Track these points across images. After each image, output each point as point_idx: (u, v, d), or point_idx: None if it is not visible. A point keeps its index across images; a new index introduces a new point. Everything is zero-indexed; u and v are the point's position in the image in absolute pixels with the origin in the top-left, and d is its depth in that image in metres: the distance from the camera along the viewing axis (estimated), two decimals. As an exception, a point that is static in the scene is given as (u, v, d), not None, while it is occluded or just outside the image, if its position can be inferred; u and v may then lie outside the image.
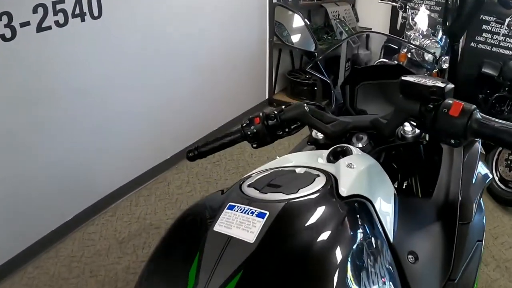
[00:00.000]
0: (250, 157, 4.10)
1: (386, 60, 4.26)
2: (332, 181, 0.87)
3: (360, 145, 1.14)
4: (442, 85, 0.88)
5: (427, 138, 1.16)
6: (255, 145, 1.24)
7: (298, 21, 1.62)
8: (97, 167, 3.14)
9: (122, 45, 3.09)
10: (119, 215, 3.22)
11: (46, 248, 2.86)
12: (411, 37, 3.92)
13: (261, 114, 1.19)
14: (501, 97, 4.37)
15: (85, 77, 2.85)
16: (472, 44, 5.00)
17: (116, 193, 3.33)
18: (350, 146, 1.05)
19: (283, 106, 1.20)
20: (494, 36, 4.85)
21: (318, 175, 0.90)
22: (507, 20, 3.76)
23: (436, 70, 4.06)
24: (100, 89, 2.99)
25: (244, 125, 1.21)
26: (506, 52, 5.08)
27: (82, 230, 3.07)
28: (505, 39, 4.86)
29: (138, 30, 3.19)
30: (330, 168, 0.94)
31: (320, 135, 1.25)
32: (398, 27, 5.29)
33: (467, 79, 4.74)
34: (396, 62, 4.23)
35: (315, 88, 4.95)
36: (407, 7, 4.48)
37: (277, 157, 1.17)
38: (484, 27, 4.91)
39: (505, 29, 4.05)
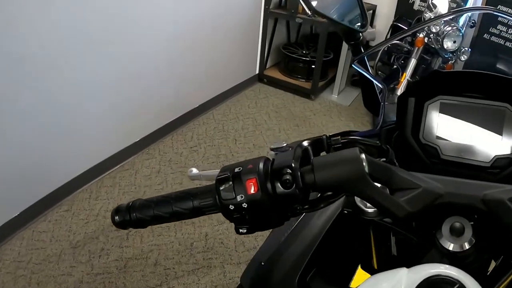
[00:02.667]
0: (233, 143, 3.80)
1: (400, 42, 4.08)
2: None
3: (460, 246, 0.71)
4: None
5: None
6: (243, 230, 0.70)
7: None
8: (51, 151, 2.75)
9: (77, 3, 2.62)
10: (76, 210, 2.87)
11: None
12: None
13: (259, 167, 0.67)
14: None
15: (31, 40, 2.39)
16: (485, 35, 4.78)
17: (74, 183, 2.98)
18: (457, 274, 0.62)
19: (305, 143, 0.76)
20: (510, 30, 4.62)
21: None
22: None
23: (453, 61, 3.90)
24: (50, 56, 2.53)
25: (222, 188, 0.67)
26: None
27: (32, 227, 2.72)
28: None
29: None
30: None
31: (370, 207, 0.86)
32: (415, 6, 5.04)
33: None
34: (407, 45, 4.03)
35: (313, 66, 4.65)
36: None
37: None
38: (500, 18, 4.69)
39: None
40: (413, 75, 3.83)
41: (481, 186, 0.67)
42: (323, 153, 0.85)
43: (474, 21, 4.66)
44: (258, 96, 4.74)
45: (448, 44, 3.71)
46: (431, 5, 3.96)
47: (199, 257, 2.60)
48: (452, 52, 3.81)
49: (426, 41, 3.80)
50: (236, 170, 0.67)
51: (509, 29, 4.69)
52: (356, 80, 5.13)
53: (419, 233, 0.78)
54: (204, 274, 2.49)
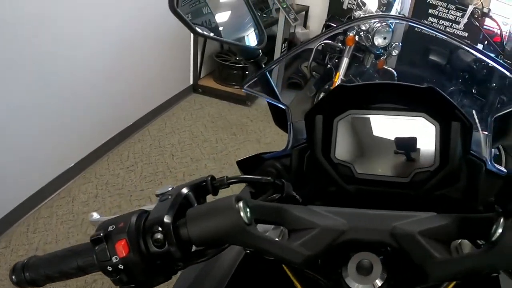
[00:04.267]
0: (171, 158, 3.87)
1: (331, 42, 4.23)
2: None
3: (366, 286, 0.64)
4: None
5: None
6: None
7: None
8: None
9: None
10: (14, 246, 2.87)
11: None
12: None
13: (131, 225, 0.63)
14: (454, 91, 4.40)
15: None
16: (416, 28, 5.00)
17: (10, 217, 2.96)
18: None
19: (184, 190, 0.70)
20: (441, 21, 4.87)
21: None
22: (471, 7, 3.73)
23: (385, 57, 4.06)
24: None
25: (97, 248, 0.62)
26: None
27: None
28: (451, 25, 4.88)
29: None
30: None
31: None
32: (345, 6, 5.22)
33: (414, 66, 4.75)
34: (340, 44, 4.17)
35: (247, 72, 4.76)
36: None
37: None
38: (430, 11, 4.93)
39: (467, 18, 4.01)
40: (346, 74, 3.90)
41: (390, 217, 0.63)
42: (209, 196, 0.77)
43: (404, 15, 4.87)
44: (194, 107, 4.81)
45: (378, 41, 3.80)
46: (360, 3, 4.06)
47: None
48: (384, 48, 3.91)
49: (357, 39, 3.87)
50: (109, 229, 0.63)
51: (440, 20, 4.93)
52: (293, 83, 5.27)
53: (325, 273, 0.69)
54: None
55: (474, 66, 4.14)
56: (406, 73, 4.35)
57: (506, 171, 0.88)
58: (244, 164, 0.96)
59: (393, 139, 0.89)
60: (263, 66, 1.13)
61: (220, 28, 1.10)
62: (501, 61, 0.93)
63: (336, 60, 4.21)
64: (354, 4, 4.56)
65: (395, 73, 3.99)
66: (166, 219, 0.61)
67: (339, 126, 0.92)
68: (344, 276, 0.64)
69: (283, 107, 1.05)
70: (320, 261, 0.65)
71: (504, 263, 0.56)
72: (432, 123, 0.88)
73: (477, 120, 0.96)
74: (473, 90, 4.18)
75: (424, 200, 0.88)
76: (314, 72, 4.50)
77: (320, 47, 4.41)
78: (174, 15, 0.95)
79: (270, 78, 1.12)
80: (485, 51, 0.95)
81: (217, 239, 0.61)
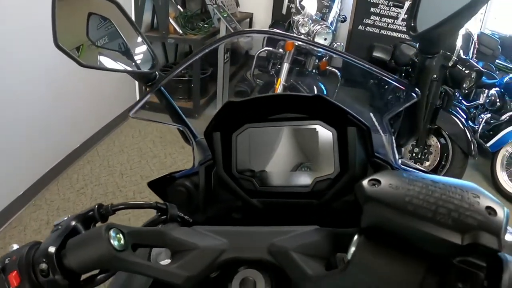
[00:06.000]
0: (120, 178, 3.92)
1: (271, 49, 4.34)
2: None
3: None
4: (493, 223, 0.49)
5: None
6: None
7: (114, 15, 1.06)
8: None
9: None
10: None
11: None
12: (300, 22, 3.99)
13: (23, 257, 0.66)
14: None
15: None
16: (360, 27, 5.20)
17: None
18: None
19: (73, 222, 0.72)
20: (383, 18, 5.06)
21: None
22: (407, 3, 3.90)
23: (326, 58, 4.19)
24: None
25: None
26: (395, 34, 5.32)
27: None
28: (393, 21, 5.07)
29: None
30: None
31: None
32: (284, 11, 5.36)
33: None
34: (281, 50, 4.29)
35: (192, 85, 4.86)
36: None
37: None
38: (372, 9, 5.11)
39: (405, 14, 4.19)
40: (287, 79, 3.93)
41: (269, 234, 0.66)
42: (98, 224, 0.77)
43: (345, 16, 5.02)
44: (141, 123, 4.87)
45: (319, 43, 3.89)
46: (299, 7, 4.19)
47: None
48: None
49: (296, 44, 3.89)
50: (6, 261, 0.66)
51: (382, 18, 5.11)
52: (240, 91, 5.36)
53: None
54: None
55: (416, 60, 4.33)
56: (351, 72, 4.49)
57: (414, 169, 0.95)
58: (156, 185, 1.01)
59: (292, 149, 0.93)
60: (165, 91, 1.16)
61: (110, 58, 1.09)
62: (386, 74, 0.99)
63: (279, 66, 4.24)
64: (293, 7, 4.66)
65: (338, 73, 4.08)
66: (50, 250, 0.65)
67: (238, 140, 0.95)
68: None
69: (180, 128, 1.12)
70: (212, 278, 0.70)
71: (356, 285, 0.56)
72: (329, 130, 0.91)
73: (376, 123, 1.05)
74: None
75: (328, 208, 0.90)
76: (258, 80, 4.52)
77: (264, 54, 4.51)
78: (59, 49, 0.96)
79: (171, 99, 1.16)
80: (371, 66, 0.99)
81: (92, 266, 0.65)
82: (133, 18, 4.37)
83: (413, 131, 1.07)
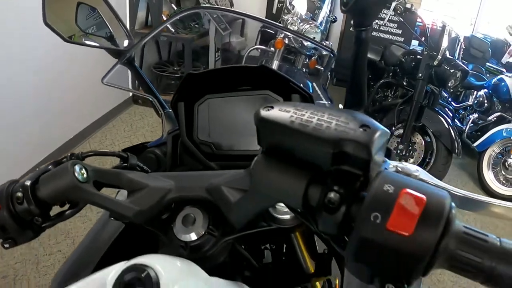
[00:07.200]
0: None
1: (261, 47, 4.43)
2: None
3: (192, 236, 0.76)
4: (364, 136, 0.53)
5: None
6: (6, 245, 0.80)
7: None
8: None
9: None
10: None
11: None
12: (289, 21, 4.04)
13: (4, 189, 0.78)
14: (385, 83, 4.67)
15: None
16: (351, 28, 5.27)
17: None
18: (148, 261, 0.61)
19: (49, 166, 0.81)
20: (375, 20, 5.17)
21: None
22: (394, 3, 4.02)
23: (315, 57, 4.26)
24: None
25: None
26: (386, 36, 5.46)
27: None
28: (385, 23, 5.19)
29: None
30: None
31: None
32: (274, 10, 5.46)
33: (349, 64, 5.03)
34: (272, 49, 4.39)
35: (184, 81, 4.95)
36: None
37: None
38: (365, 12, 5.23)
39: (391, 14, 4.31)
40: None
41: (208, 176, 0.74)
42: None
43: (335, 16, 5.13)
44: (134, 118, 4.96)
45: (307, 42, 3.88)
46: (288, 6, 4.29)
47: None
48: (314, 48, 4.00)
49: (286, 42, 3.91)
50: None
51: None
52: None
53: (163, 229, 0.79)
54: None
55: (403, 60, 4.47)
56: (342, 71, 4.59)
57: None
58: (130, 152, 1.06)
59: (246, 116, 1.05)
60: (136, 65, 1.37)
61: (93, 36, 1.32)
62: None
63: (270, 64, 4.24)
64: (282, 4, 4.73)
65: (322, 68, 4.12)
66: (26, 183, 0.76)
67: (199, 110, 1.08)
68: (174, 230, 0.77)
69: (150, 98, 1.28)
70: (160, 218, 0.78)
71: (260, 198, 0.65)
72: (276, 98, 1.04)
73: (319, 91, 1.16)
74: (403, 82, 4.51)
75: None
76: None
77: (255, 53, 4.55)
78: (47, 26, 1.11)
79: (141, 71, 1.34)
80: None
81: (60, 196, 0.76)
82: (127, 15, 4.55)
83: (359, 103, 1.23)
